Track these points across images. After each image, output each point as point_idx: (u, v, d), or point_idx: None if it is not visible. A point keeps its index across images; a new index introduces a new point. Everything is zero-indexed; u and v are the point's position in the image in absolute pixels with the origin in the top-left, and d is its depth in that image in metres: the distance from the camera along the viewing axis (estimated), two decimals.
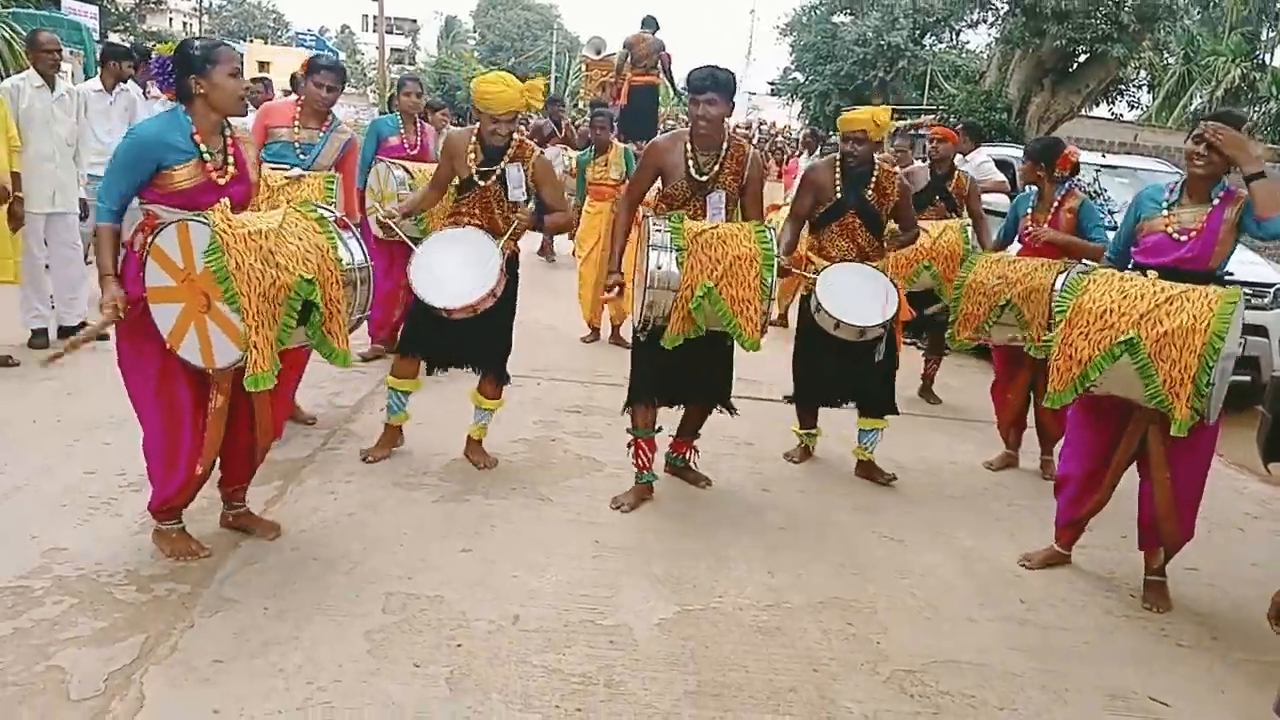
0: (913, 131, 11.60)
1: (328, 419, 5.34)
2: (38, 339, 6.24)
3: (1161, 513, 3.86)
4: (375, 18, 41.05)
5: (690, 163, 4.40)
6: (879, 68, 24.96)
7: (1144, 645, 3.66)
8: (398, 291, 5.90)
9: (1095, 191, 8.23)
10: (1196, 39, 28.90)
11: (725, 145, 4.40)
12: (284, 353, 3.47)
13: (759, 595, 3.75)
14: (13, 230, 5.87)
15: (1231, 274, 3.92)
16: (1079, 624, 3.77)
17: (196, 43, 3.50)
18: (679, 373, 4.38)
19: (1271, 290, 7.53)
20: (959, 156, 7.14)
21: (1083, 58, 19.48)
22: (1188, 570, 4.25)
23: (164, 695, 2.82)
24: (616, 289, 4.52)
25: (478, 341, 4.63)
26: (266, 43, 58.25)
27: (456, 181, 4.63)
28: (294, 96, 5.54)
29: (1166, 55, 26.14)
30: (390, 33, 50.02)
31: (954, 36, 26.93)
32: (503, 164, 4.51)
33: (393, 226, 4.83)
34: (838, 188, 4.89)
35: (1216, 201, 3.80)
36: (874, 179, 4.89)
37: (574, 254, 8.60)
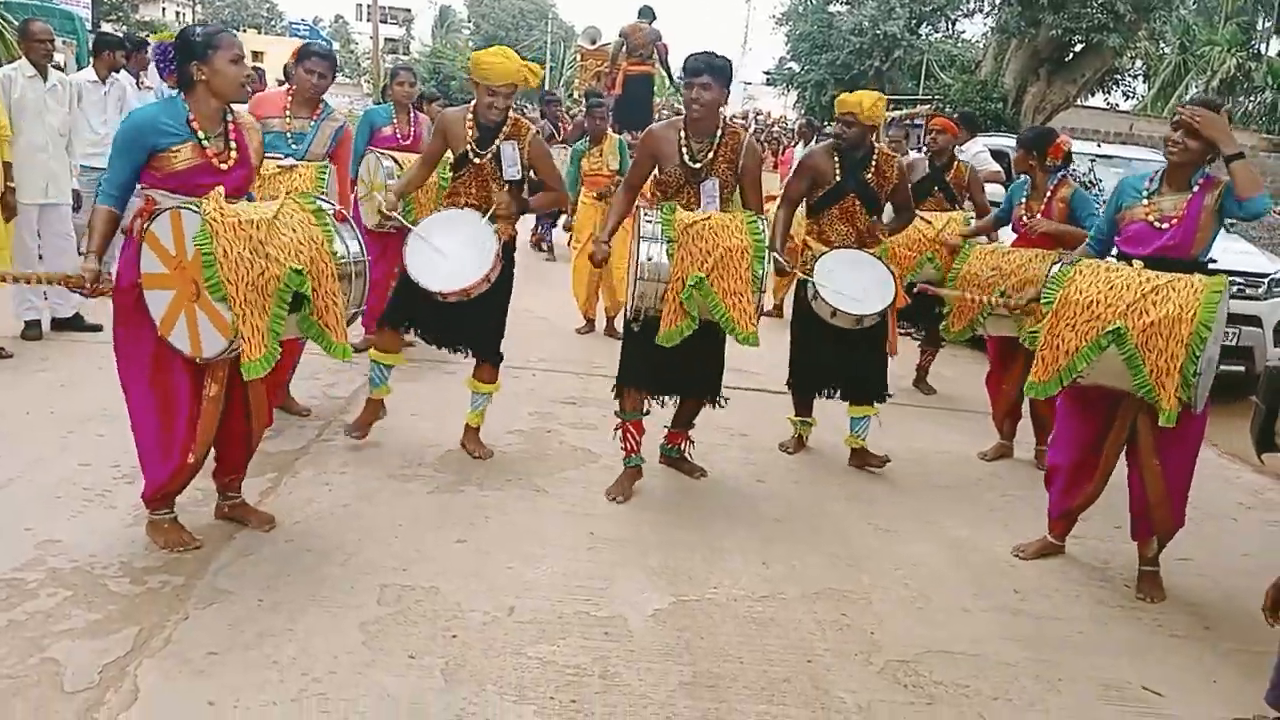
0: (908, 122, 11.58)
1: (322, 410, 5.33)
2: (31, 331, 6.23)
3: (1153, 501, 3.88)
4: (369, 7, 40.92)
5: (684, 149, 4.39)
6: (875, 57, 24.88)
7: (1137, 635, 3.68)
8: (390, 280, 5.87)
9: (1090, 181, 8.24)
10: (1192, 29, 28.89)
11: (720, 132, 4.39)
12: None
13: (753, 586, 3.76)
14: (5, 220, 5.85)
15: (1215, 260, 3.94)
16: (1073, 614, 3.78)
17: (198, 29, 3.50)
18: (670, 366, 4.37)
19: (1265, 280, 7.54)
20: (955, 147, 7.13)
21: (1078, 47, 19.44)
22: (1180, 561, 4.26)
23: (158, 687, 2.82)
24: (600, 255, 4.50)
25: (471, 324, 4.63)
26: (260, 33, 58.10)
27: (450, 160, 4.63)
28: (286, 86, 5.51)
29: (1162, 45, 26.10)
30: (384, 22, 49.87)
31: (950, 26, 26.89)
32: (498, 142, 4.50)
33: (395, 216, 4.82)
34: (837, 171, 4.90)
35: (1196, 189, 3.82)
36: (873, 162, 4.92)
37: (570, 245, 8.60)
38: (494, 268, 4.41)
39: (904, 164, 5.29)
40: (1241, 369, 7.45)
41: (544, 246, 11.66)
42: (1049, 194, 5.27)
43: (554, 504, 4.38)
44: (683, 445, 4.86)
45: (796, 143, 14.24)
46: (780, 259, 4.74)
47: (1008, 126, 17.46)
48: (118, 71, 7.49)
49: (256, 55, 32.12)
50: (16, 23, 9.24)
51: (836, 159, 4.92)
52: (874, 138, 5.06)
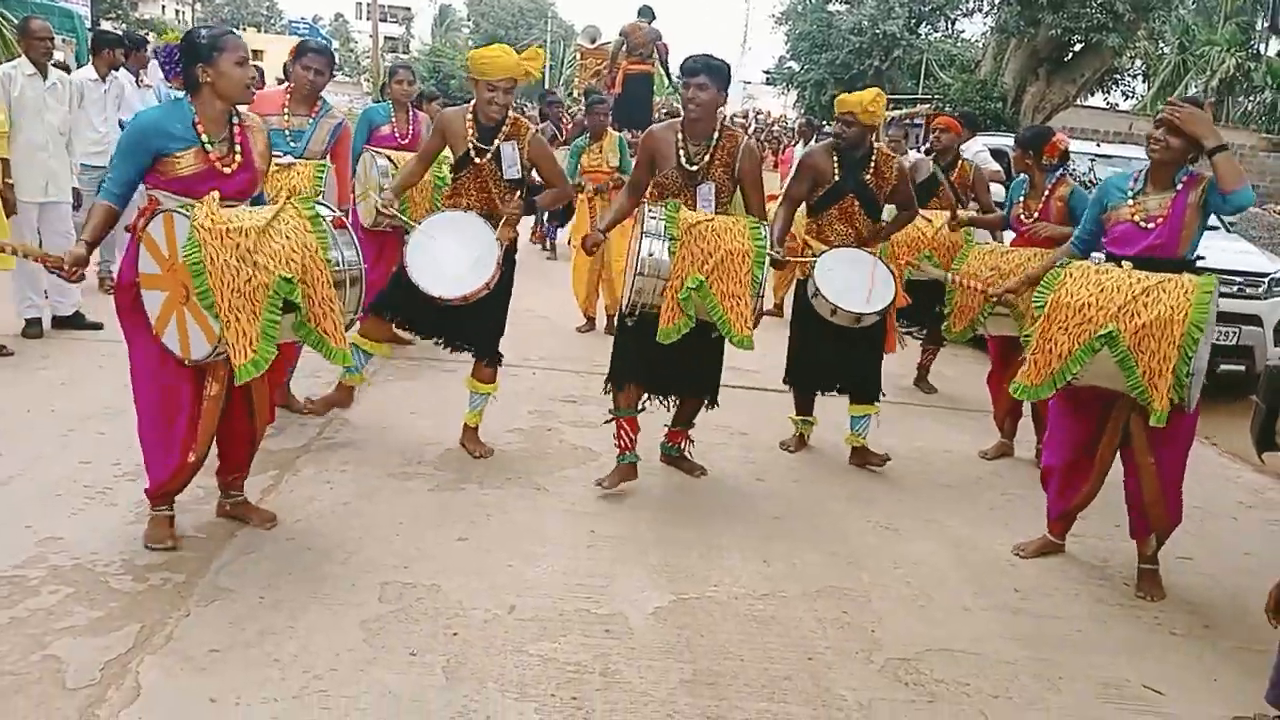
0: (907, 121, 11.58)
1: None
2: (31, 329, 6.22)
3: (1149, 498, 3.90)
4: (369, 5, 40.89)
5: (681, 152, 4.39)
6: (874, 56, 24.88)
7: (1137, 634, 3.68)
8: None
9: (1090, 180, 8.24)
10: (1192, 29, 28.89)
11: (717, 136, 4.39)
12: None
13: (754, 584, 3.76)
14: (5, 216, 5.85)
15: (1203, 258, 3.95)
16: (1072, 613, 3.79)
17: (203, 31, 3.51)
18: (666, 363, 4.37)
19: (1266, 280, 7.54)
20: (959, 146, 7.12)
21: (1078, 47, 19.45)
22: (1181, 559, 4.27)
23: (160, 684, 2.82)
24: (592, 242, 4.57)
25: (470, 325, 4.62)
26: (260, 31, 58.05)
27: (450, 160, 4.62)
28: (285, 85, 5.51)
29: (1162, 45, 26.11)
30: (384, 20, 49.86)
31: (949, 25, 26.91)
32: (497, 142, 4.50)
33: (395, 214, 4.82)
34: (836, 171, 4.91)
35: (1180, 187, 3.83)
36: (872, 163, 4.93)
37: (569, 243, 8.60)
38: (494, 275, 4.41)
39: (904, 164, 5.29)
40: (1242, 368, 7.46)
41: (547, 245, 11.67)
42: (1047, 193, 5.28)
43: (554, 502, 4.38)
44: (682, 444, 4.86)
45: (796, 142, 14.24)
46: (778, 252, 4.74)
47: (1007, 126, 17.46)
48: (116, 69, 7.49)
49: (256, 54, 31.98)
50: (16, 21, 9.24)
51: (835, 158, 4.93)
52: (874, 138, 5.06)
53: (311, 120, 5.17)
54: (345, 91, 40.52)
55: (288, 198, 3.69)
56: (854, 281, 4.76)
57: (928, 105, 19.30)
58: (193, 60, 3.40)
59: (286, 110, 5.13)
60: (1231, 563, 4.42)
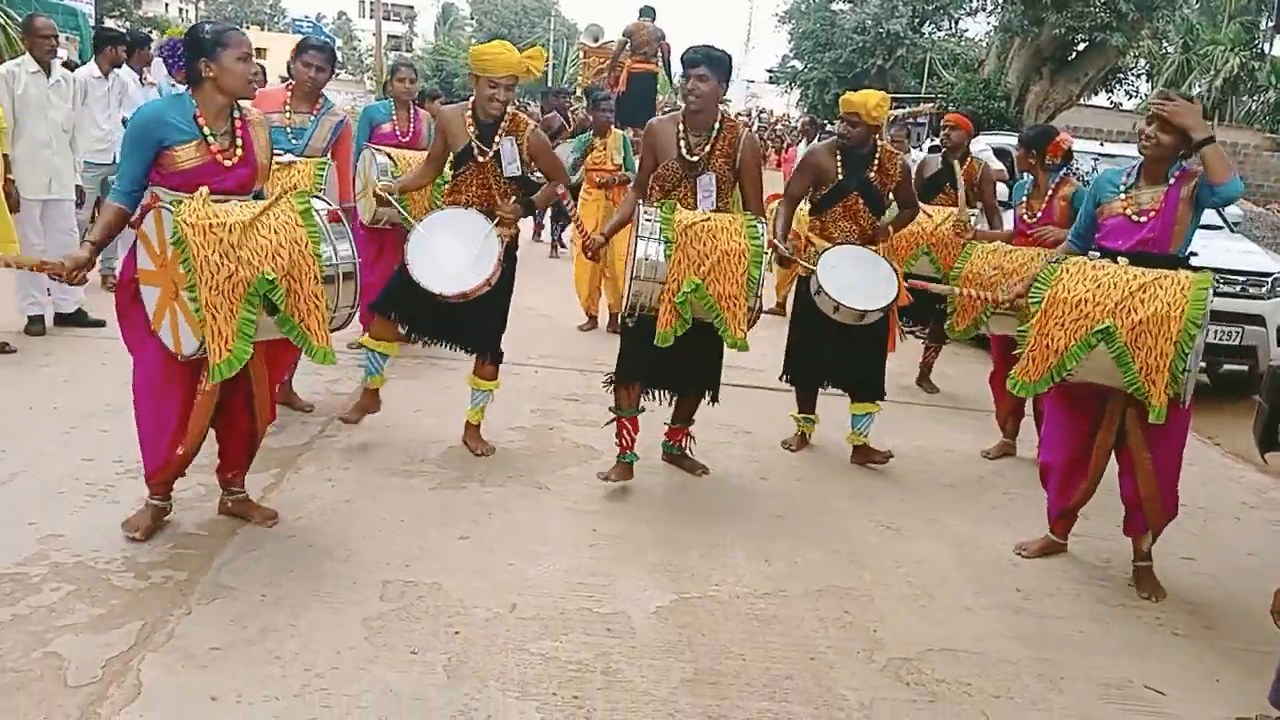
0: (910, 121, 11.56)
1: (325, 406, 5.33)
2: (34, 326, 6.23)
3: (1146, 494, 3.90)
4: (372, 3, 40.90)
5: (681, 143, 4.38)
6: (878, 55, 24.89)
7: (1139, 634, 3.67)
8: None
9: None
10: (1196, 28, 28.85)
11: (717, 126, 4.39)
12: (278, 341, 3.49)
13: (756, 583, 3.76)
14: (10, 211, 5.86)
15: (1195, 254, 3.95)
16: (1074, 612, 3.78)
17: (207, 26, 3.52)
18: (668, 362, 4.36)
19: (1269, 280, 7.52)
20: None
21: (1082, 46, 19.44)
22: (1183, 560, 4.26)
23: (161, 682, 2.82)
24: (593, 246, 4.60)
25: (471, 322, 4.62)
26: (263, 29, 58.09)
27: (451, 158, 4.62)
28: (288, 83, 5.51)
29: (1165, 44, 26.09)
30: (387, 19, 49.84)
31: (953, 24, 26.87)
32: (497, 139, 4.49)
33: (391, 200, 4.80)
34: (839, 170, 4.91)
35: (1172, 181, 3.83)
36: (876, 160, 4.93)
37: (571, 241, 8.60)
38: (495, 272, 4.41)
39: (908, 162, 5.28)
40: (1245, 368, 7.46)
41: (556, 251, 11.62)
42: (1051, 193, 5.26)
43: (556, 501, 4.38)
44: (683, 442, 4.86)
45: (799, 140, 14.23)
46: (782, 248, 4.74)
47: (1011, 125, 17.46)
48: (119, 67, 7.50)
49: (260, 52, 32.09)
50: (20, 18, 9.25)
51: (839, 157, 4.93)
52: (877, 136, 5.06)
53: (313, 118, 5.17)
54: (348, 90, 40.59)
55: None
56: (857, 279, 4.76)
57: (931, 105, 19.30)
58: (196, 55, 3.41)
59: (288, 108, 5.13)
60: (1234, 563, 4.41)
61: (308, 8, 71.89)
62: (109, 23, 22.49)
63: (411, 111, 6.53)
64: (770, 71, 32.49)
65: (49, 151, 6.25)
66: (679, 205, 4.29)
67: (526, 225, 8.35)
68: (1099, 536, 4.41)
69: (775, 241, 4.74)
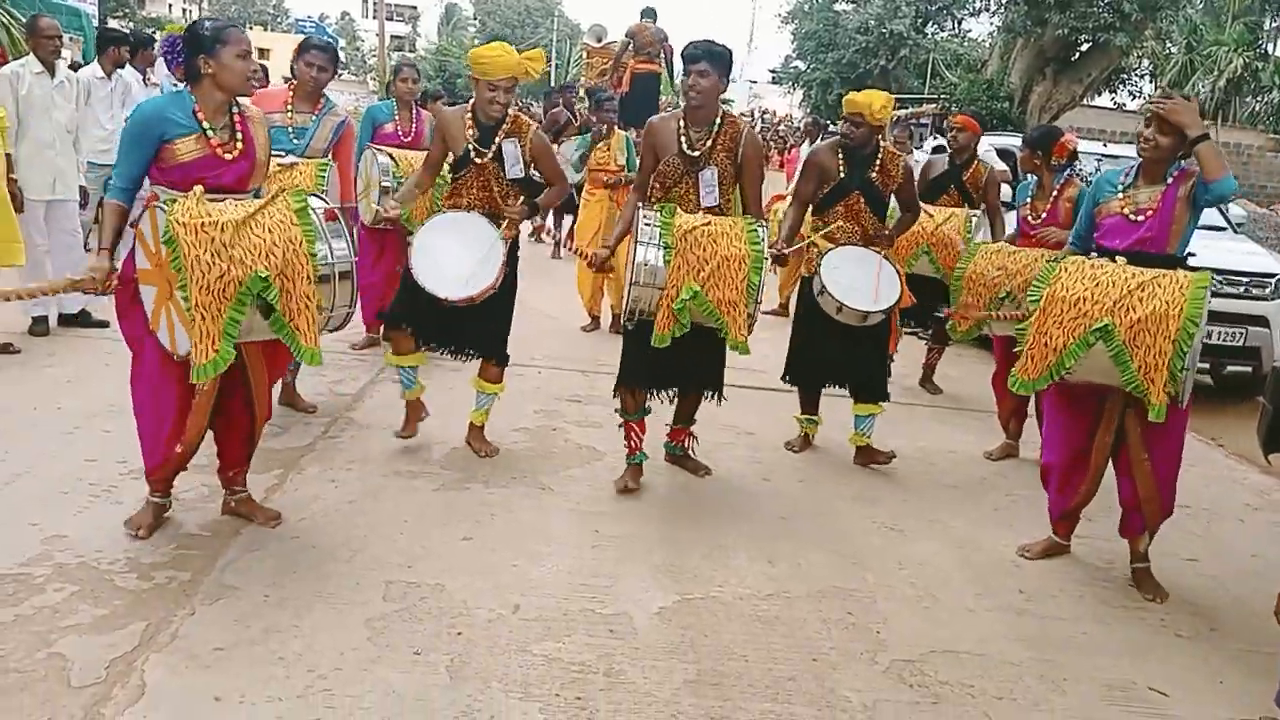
0: (913, 122, 11.55)
1: (328, 407, 5.33)
2: (38, 326, 6.23)
3: (1144, 495, 3.91)
4: (375, 4, 40.92)
5: (683, 138, 4.38)
6: (881, 56, 24.86)
7: (1142, 636, 3.67)
8: (391, 280, 5.83)
9: None
10: (1199, 28, 28.85)
11: (718, 122, 4.38)
12: (273, 341, 3.51)
13: (758, 584, 3.76)
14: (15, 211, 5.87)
15: (1193, 254, 3.95)
16: (1077, 614, 3.78)
17: (206, 23, 3.53)
18: (669, 362, 4.35)
19: (1273, 281, 7.51)
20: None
21: (1085, 46, 19.41)
22: (1187, 561, 4.26)
23: (165, 682, 2.83)
24: (598, 261, 4.60)
25: (475, 327, 4.61)
26: (266, 29, 58.16)
27: (451, 161, 4.62)
28: (290, 82, 5.51)
29: (1169, 44, 26.09)
30: (390, 19, 49.90)
31: (956, 25, 26.84)
32: (498, 140, 4.49)
33: (393, 215, 4.80)
34: (841, 169, 4.91)
35: (1171, 181, 3.84)
36: (878, 161, 4.93)
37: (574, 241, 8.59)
38: (499, 276, 4.41)
39: (910, 164, 5.28)
40: (1249, 370, 7.45)
41: (559, 252, 11.60)
42: (1055, 194, 5.26)
43: (559, 502, 4.38)
44: (685, 442, 4.85)
45: (802, 141, 14.22)
46: (782, 249, 4.73)
47: (1014, 126, 17.45)
48: (121, 67, 7.51)
49: (263, 53, 32.10)
50: (24, 19, 9.27)
51: (841, 156, 4.93)
52: (880, 136, 5.05)
53: (314, 118, 5.17)
54: (351, 90, 40.61)
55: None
56: (860, 280, 4.76)
57: (934, 105, 19.30)
58: (195, 51, 3.42)
59: (290, 107, 5.13)
60: (1238, 565, 4.40)
61: (311, 8, 72.04)
62: (112, 23, 22.51)
63: (414, 112, 6.54)
64: (773, 72, 32.50)
65: (53, 152, 6.25)
66: (679, 209, 4.28)
67: (525, 225, 8.31)
68: (1102, 538, 4.41)
69: (779, 245, 4.74)
